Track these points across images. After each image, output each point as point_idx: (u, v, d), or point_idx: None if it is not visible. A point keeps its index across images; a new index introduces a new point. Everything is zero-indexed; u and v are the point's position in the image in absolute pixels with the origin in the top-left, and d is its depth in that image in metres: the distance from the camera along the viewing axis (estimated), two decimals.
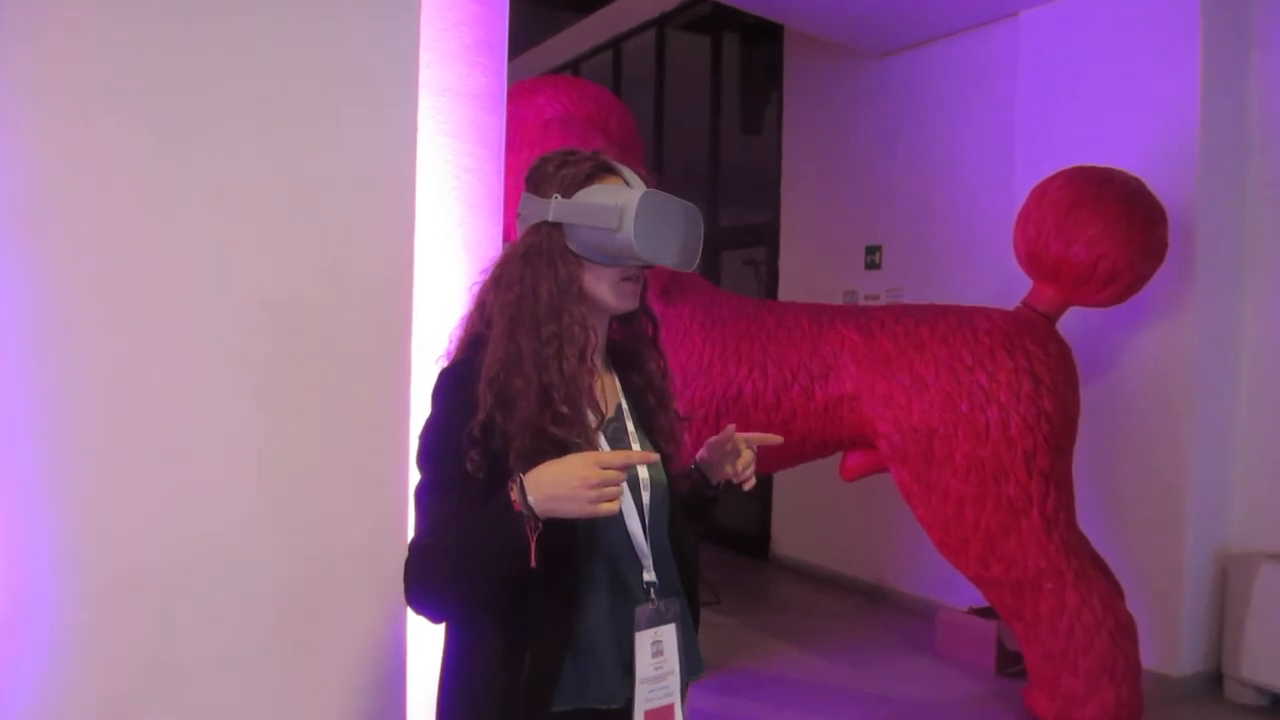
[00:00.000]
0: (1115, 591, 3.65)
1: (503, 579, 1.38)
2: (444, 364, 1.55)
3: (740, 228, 7.53)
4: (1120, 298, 3.87)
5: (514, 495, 1.34)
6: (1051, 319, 3.82)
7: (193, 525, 2.07)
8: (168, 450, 2.06)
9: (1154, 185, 3.91)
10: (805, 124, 6.84)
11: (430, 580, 1.40)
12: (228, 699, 2.10)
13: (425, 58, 2.52)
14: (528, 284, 1.49)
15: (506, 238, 3.83)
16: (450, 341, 1.59)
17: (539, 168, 1.56)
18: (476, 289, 1.57)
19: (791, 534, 6.79)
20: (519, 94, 4.23)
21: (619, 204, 1.47)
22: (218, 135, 2.11)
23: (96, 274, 2.00)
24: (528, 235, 1.52)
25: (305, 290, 2.19)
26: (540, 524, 1.34)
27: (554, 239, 1.50)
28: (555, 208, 1.49)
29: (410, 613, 2.26)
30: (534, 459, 1.38)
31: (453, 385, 1.48)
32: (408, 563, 1.42)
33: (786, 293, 6.84)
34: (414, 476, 2.19)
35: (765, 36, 7.23)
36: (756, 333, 3.87)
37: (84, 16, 1.99)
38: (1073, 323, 4.11)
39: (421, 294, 2.39)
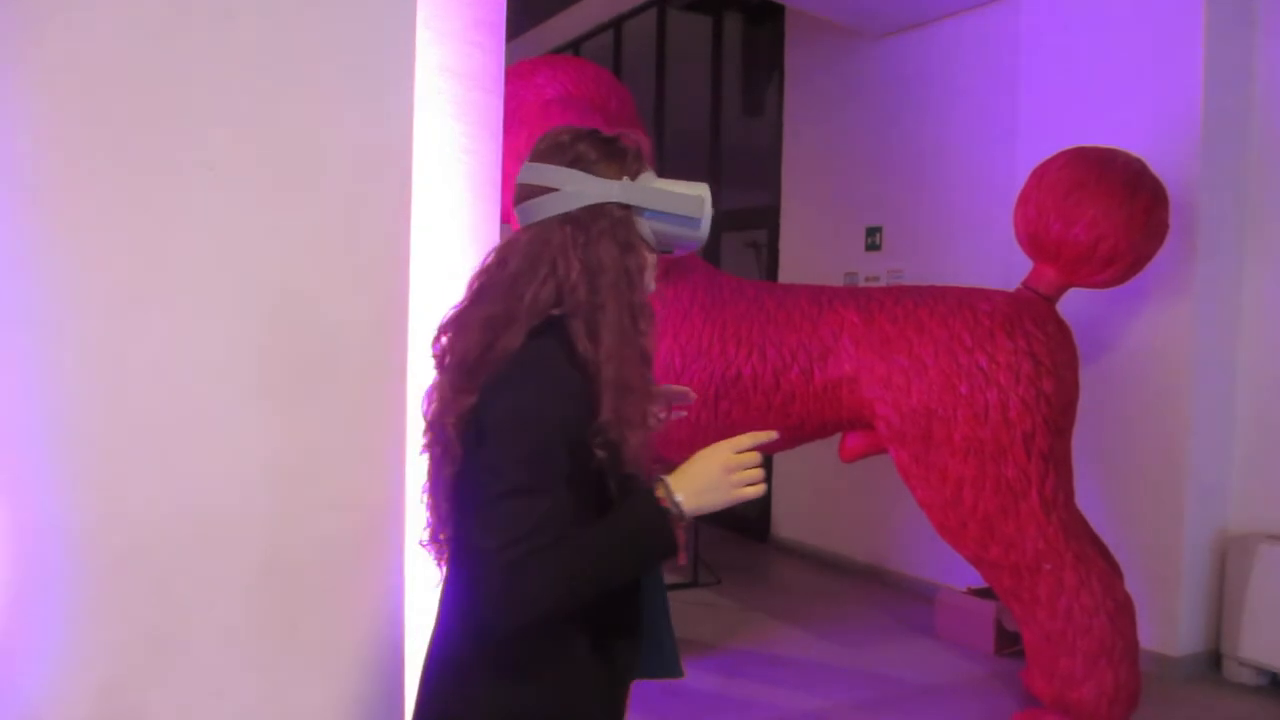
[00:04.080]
0: (1114, 573, 3.65)
1: (633, 578, 1.41)
2: (548, 343, 1.42)
3: (741, 210, 7.50)
4: (1121, 279, 3.86)
5: (661, 495, 1.36)
6: (1052, 300, 3.81)
7: (192, 508, 2.07)
8: (166, 433, 2.05)
9: (1156, 166, 3.89)
10: (806, 105, 6.81)
11: (555, 588, 1.31)
12: (227, 676, 2.11)
13: (424, 36, 2.51)
14: (620, 267, 1.46)
15: (504, 219, 3.82)
16: (488, 323, 1.44)
17: (583, 147, 1.49)
18: (516, 268, 1.46)
19: (791, 516, 6.80)
20: (518, 74, 4.21)
21: (699, 194, 1.51)
22: (211, 115, 2.09)
23: (94, 260, 2.00)
24: (603, 214, 1.46)
25: (300, 273, 2.18)
26: (689, 522, 1.37)
27: (629, 221, 1.48)
28: (626, 190, 1.48)
29: (406, 590, 2.28)
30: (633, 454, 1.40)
31: (555, 379, 1.39)
32: (513, 573, 1.30)
33: (787, 274, 6.83)
34: (412, 456, 2.20)
35: (766, 17, 7.19)
36: (756, 315, 3.86)
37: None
38: (1073, 304, 4.11)
39: (419, 277, 2.38)
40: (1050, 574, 3.50)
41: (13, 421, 1.93)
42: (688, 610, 5.29)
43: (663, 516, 1.35)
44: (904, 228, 5.98)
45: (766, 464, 6.88)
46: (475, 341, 1.42)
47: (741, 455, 1.39)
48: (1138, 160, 3.82)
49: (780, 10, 6.83)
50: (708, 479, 1.37)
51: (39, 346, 1.95)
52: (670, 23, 8.20)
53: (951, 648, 4.79)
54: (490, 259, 1.51)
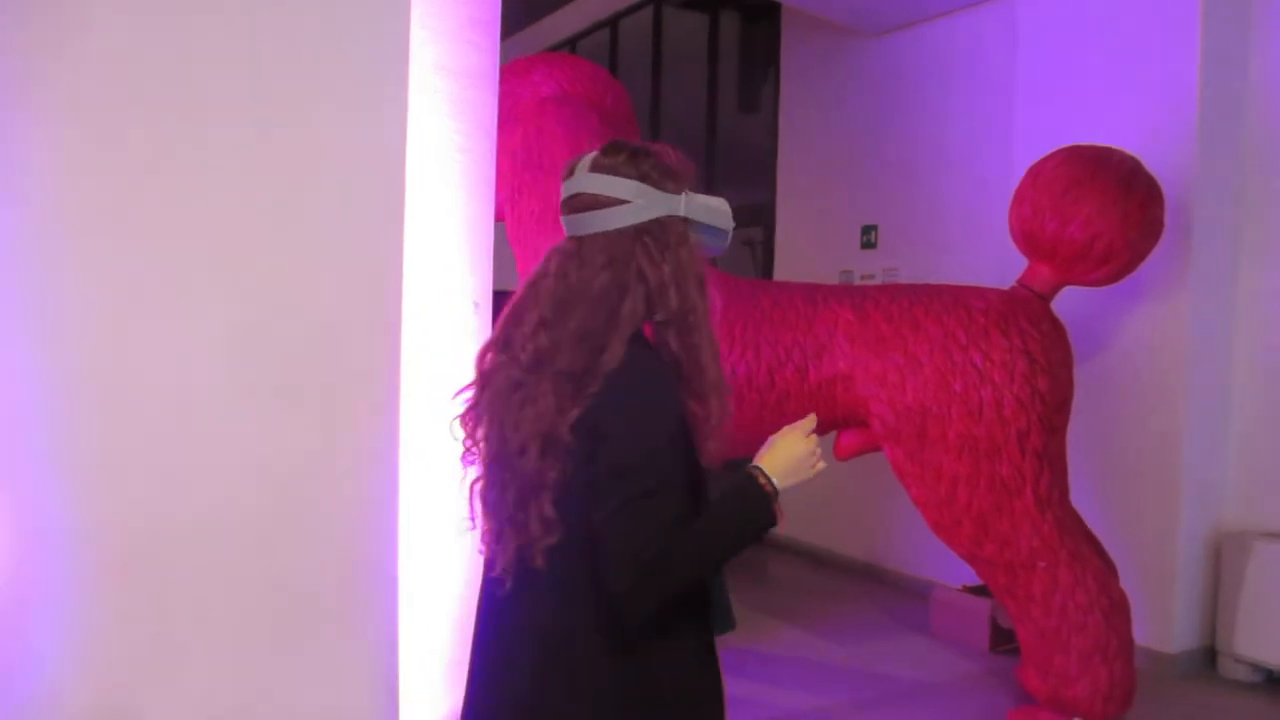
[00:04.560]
0: (1109, 570, 3.66)
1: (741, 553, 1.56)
2: (645, 352, 1.54)
3: (736, 208, 7.47)
4: (1116, 277, 3.86)
5: (763, 481, 1.52)
6: (1047, 298, 3.81)
7: (188, 510, 2.07)
8: (162, 436, 2.05)
9: (1151, 164, 3.89)
10: (802, 103, 6.81)
11: (687, 576, 1.47)
12: (223, 677, 2.11)
13: (419, 35, 2.50)
14: (697, 275, 1.60)
15: (498, 218, 3.82)
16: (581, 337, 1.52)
17: (652, 160, 1.60)
18: (603, 280, 1.54)
19: (787, 514, 6.79)
20: (514, 72, 4.21)
21: (727, 210, 1.68)
22: (206, 116, 2.09)
23: (89, 263, 2.00)
24: (671, 226, 1.58)
25: (295, 273, 2.17)
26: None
27: (688, 232, 1.61)
28: (688, 204, 1.61)
29: (400, 589, 2.28)
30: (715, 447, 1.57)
31: (666, 384, 1.52)
32: (652, 570, 1.42)
33: (782, 272, 6.83)
34: (407, 454, 2.20)
35: (763, 15, 7.19)
36: (751, 313, 3.86)
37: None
38: (1069, 302, 4.11)
39: (413, 276, 2.38)
40: (1045, 571, 3.50)
41: (11, 425, 1.93)
42: None
43: (766, 498, 1.52)
44: (899, 226, 5.98)
45: None
46: (577, 354, 1.49)
47: (813, 439, 1.57)
48: (1132, 158, 3.82)
49: (776, 8, 6.82)
50: (791, 461, 1.55)
51: (35, 350, 1.95)
52: (666, 20, 8.19)
53: (947, 645, 4.80)
54: (551, 268, 1.58)
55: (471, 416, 1.60)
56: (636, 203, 1.56)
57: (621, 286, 1.53)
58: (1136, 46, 4.61)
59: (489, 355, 1.60)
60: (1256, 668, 4.35)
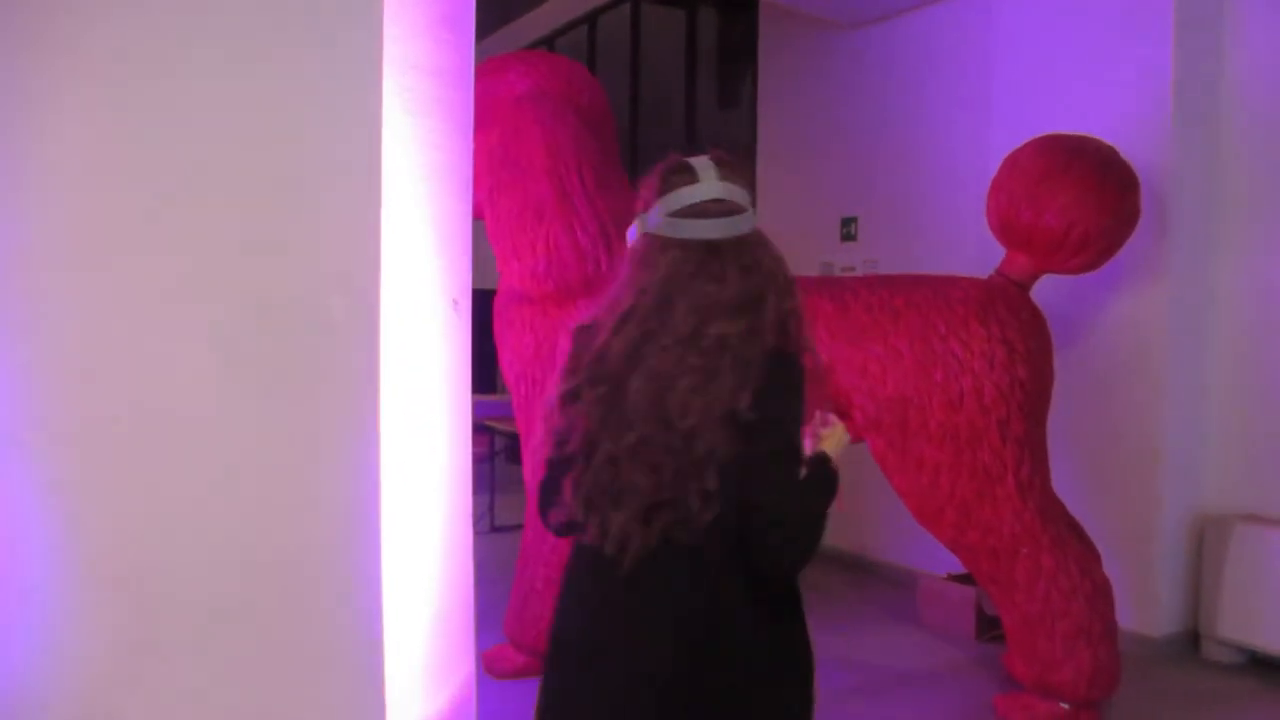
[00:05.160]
0: (1091, 555, 3.68)
1: None
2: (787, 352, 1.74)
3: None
4: (1093, 264, 3.89)
5: (826, 457, 1.80)
6: (1025, 287, 3.83)
7: (166, 511, 2.07)
8: (139, 437, 2.04)
9: (1127, 152, 3.92)
10: (780, 97, 6.83)
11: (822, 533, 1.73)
12: (204, 679, 2.10)
13: (391, 33, 2.49)
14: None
15: (476, 216, 3.81)
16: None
17: (742, 174, 1.83)
18: (757, 279, 1.73)
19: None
20: (490, 71, 4.20)
21: None
22: (178, 116, 2.08)
23: (64, 264, 1.99)
24: (765, 236, 1.80)
25: (271, 273, 2.17)
26: None
27: None
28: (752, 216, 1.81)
29: (384, 589, 2.28)
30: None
31: (799, 375, 1.73)
32: (811, 527, 1.69)
33: None
34: (388, 454, 2.21)
35: (740, 9, 7.20)
36: None
37: None
38: (1047, 290, 4.13)
39: (391, 273, 2.37)
40: (1028, 558, 3.53)
41: None
42: None
43: (834, 473, 1.78)
44: (879, 218, 6.00)
45: None
46: (745, 344, 1.67)
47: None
48: (1108, 147, 3.85)
49: (754, 2, 6.84)
50: (839, 443, 1.85)
51: (11, 350, 1.94)
52: (644, 16, 8.20)
53: (933, 634, 4.82)
54: (689, 268, 1.72)
55: (588, 406, 1.72)
56: (749, 211, 1.78)
57: (763, 284, 1.73)
58: (1111, 35, 4.64)
59: (611, 344, 1.72)
60: (1239, 649, 4.39)
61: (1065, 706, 3.57)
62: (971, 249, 5.08)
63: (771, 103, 6.90)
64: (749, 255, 1.74)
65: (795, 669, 1.78)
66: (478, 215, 3.95)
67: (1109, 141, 3.89)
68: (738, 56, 7.41)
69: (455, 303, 2.67)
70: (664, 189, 1.81)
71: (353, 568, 2.23)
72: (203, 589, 2.10)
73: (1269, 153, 4.44)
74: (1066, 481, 4.16)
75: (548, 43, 9.29)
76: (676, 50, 7.76)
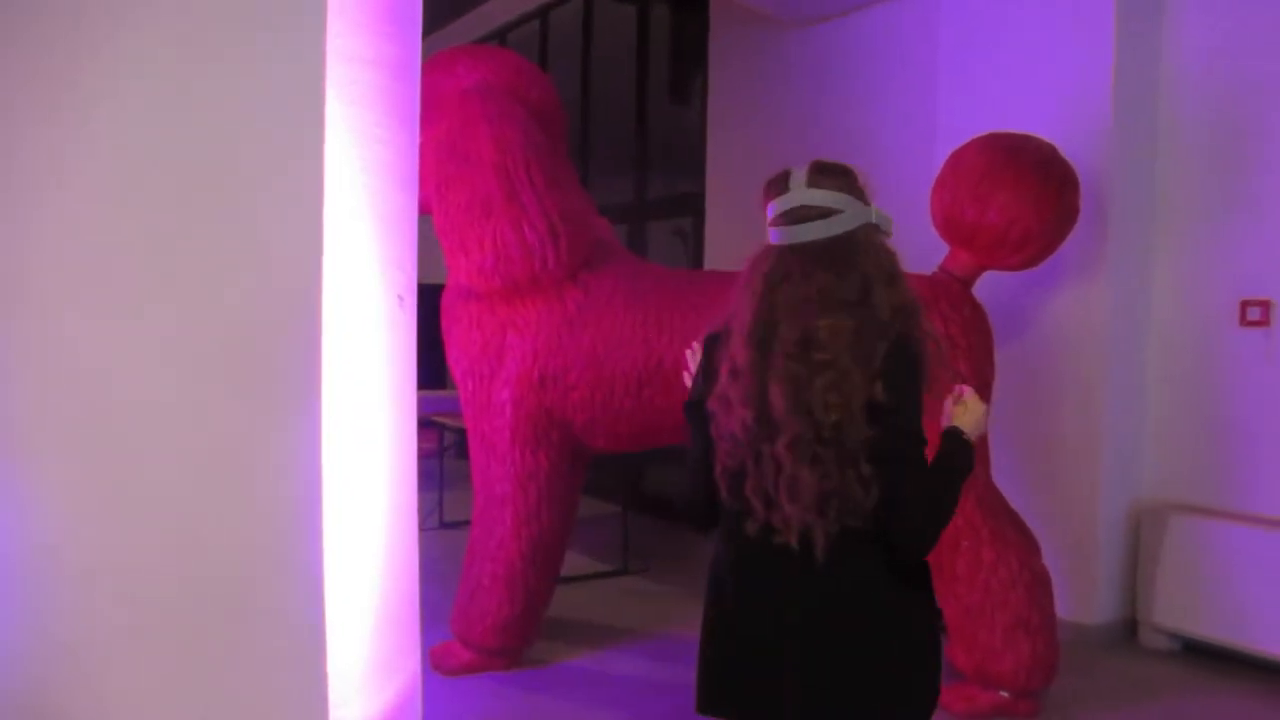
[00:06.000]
0: (1031, 547, 3.75)
1: None
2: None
3: (667, 198, 7.54)
4: (1034, 261, 3.96)
5: (964, 436, 1.91)
6: (968, 283, 3.89)
7: (109, 510, 2.04)
8: (80, 436, 2.02)
9: (1067, 150, 3.99)
10: (730, 93, 6.86)
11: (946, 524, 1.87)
12: (147, 677, 2.08)
13: (335, 26, 2.47)
14: (898, 269, 1.98)
15: (424, 210, 3.78)
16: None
17: (854, 177, 1.98)
18: (856, 277, 1.89)
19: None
20: (438, 64, 4.18)
21: (891, 218, 2.00)
22: (116, 107, 2.05)
23: (9, 261, 1.96)
24: (879, 233, 1.97)
25: (211, 268, 2.14)
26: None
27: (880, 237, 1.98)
28: (878, 214, 1.97)
29: (326, 582, 2.26)
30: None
31: (921, 360, 1.88)
32: (937, 520, 1.83)
33: (713, 262, 6.88)
34: (330, 449, 2.19)
35: (691, 6, 7.22)
36: (678, 302, 3.89)
37: None
38: (990, 287, 4.20)
39: (334, 268, 2.35)
40: (968, 550, 3.59)
41: None
42: (617, 598, 5.32)
43: (969, 445, 1.91)
44: None
45: None
46: (858, 339, 1.83)
47: (982, 400, 1.97)
48: (1049, 145, 3.92)
49: None
50: (976, 418, 1.93)
51: None
52: (596, 11, 8.19)
53: None
54: (793, 270, 1.90)
55: (739, 413, 1.89)
56: (845, 212, 1.91)
57: (863, 280, 1.88)
58: (1053, 37, 4.72)
59: (740, 354, 1.90)
60: (1175, 636, 4.50)
61: (1005, 695, 3.65)
62: (915, 246, 5.11)
63: (721, 99, 6.93)
64: (841, 254, 1.90)
65: (936, 639, 2.00)
66: (426, 210, 3.93)
67: (1050, 140, 3.96)
68: (689, 53, 7.43)
69: (400, 298, 2.66)
70: (765, 199, 2.01)
71: (294, 565, 2.21)
72: (142, 586, 2.08)
73: (1205, 151, 4.55)
74: (1007, 475, 4.23)
75: (499, 37, 9.25)
76: (628, 46, 7.77)
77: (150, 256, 2.08)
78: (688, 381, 2.13)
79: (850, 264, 1.89)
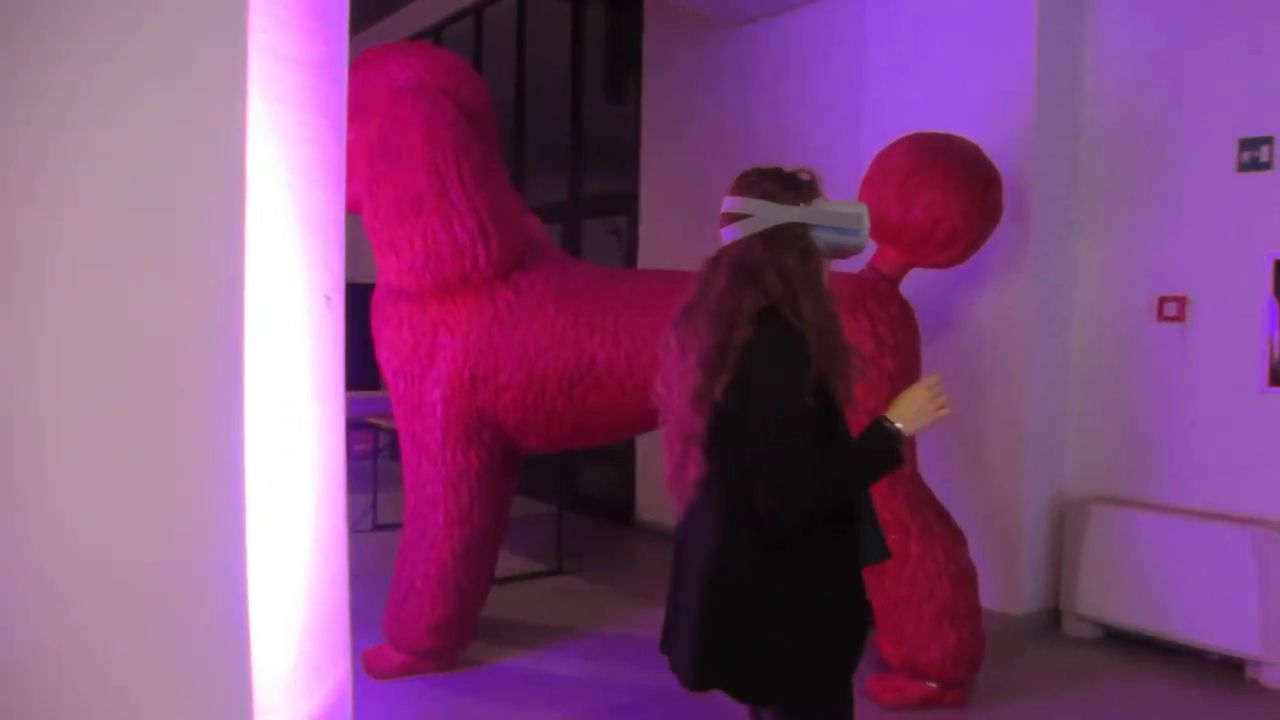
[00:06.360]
0: (957, 540, 3.83)
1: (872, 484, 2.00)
2: (775, 326, 1.95)
3: (602, 196, 7.54)
4: (959, 259, 4.04)
5: (887, 425, 1.95)
6: (894, 281, 3.96)
7: (19, 513, 1.99)
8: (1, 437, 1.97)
9: (991, 149, 4.09)
10: (663, 92, 6.89)
11: (822, 496, 1.91)
12: (68, 680, 2.04)
13: (258, 23, 2.44)
14: (810, 268, 2.02)
15: (354, 209, 3.74)
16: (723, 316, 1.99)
17: (765, 181, 2.06)
18: (727, 277, 2.01)
19: (655, 500, 6.88)
20: (369, 61, 4.13)
21: (857, 212, 2.09)
22: (29, 103, 2.01)
23: None
24: (789, 232, 2.02)
25: (130, 267, 2.10)
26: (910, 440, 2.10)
27: (808, 235, 2.04)
28: (804, 212, 2.03)
29: (250, 586, 2.23)
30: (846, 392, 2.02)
31: (786, 349, 1.92)
32: (792, 500, 1.88)
33: (647, 260, 6.90)
34: (252, 451, 2.16)
35: (626, 5, 7.23)
36: (610, 302, 3.90)
37: None
38: (916, 284, 4.28)
39: (257, 268, 2.32)
40: (895, 544, 3.65)
41: None
42: (552, 597, 5.32)
43: (891, 438, 1.95)
44: None
45: (629, 448, 6.94)
46: (713, 335, 1.97)
47: (934, 386, 1.99)
48: (973, 145, 4.00)
49: None
50: (914, 407, 1.97)
51: None
52: (530, 9, 8.16)
53: None
54: (706, 268, 2.09)
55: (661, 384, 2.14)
56: (756, 216, 2.02)
57: (740, 283, 1.97)
58: (977, 35, 4.82)
59: (669, 339, 2.13)
60: (1097, 625, 4.63)
61: (933, 685, 3.72)
62: None
63: (655, 98, 6.96)
64: (731, 257, 2.03)
65: (803, 610, 1.98)
66: (356, 208, 3.89)
67: (974, 139, 4.05)
68: (624, 52, 7.45)
69: (328, 298, 2.63)
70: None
71: (216, 569, 2.18)
72: (59, 592, 2.03)
73: (1125, 151, 4.69)
74: (935, 469, 4.32)
75: (433, 34, 9.17)
76: (563, 44, 7.75)
77: (66, 254, 2.04)
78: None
79: (737, 264, 2.02)
